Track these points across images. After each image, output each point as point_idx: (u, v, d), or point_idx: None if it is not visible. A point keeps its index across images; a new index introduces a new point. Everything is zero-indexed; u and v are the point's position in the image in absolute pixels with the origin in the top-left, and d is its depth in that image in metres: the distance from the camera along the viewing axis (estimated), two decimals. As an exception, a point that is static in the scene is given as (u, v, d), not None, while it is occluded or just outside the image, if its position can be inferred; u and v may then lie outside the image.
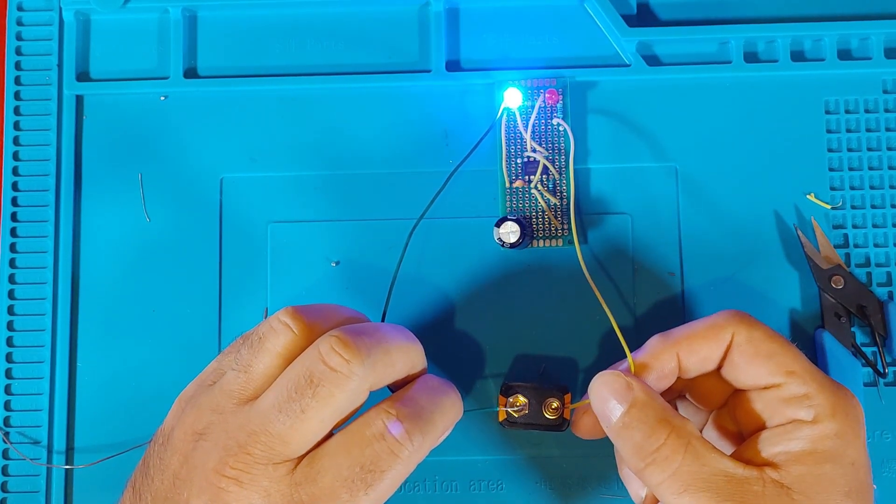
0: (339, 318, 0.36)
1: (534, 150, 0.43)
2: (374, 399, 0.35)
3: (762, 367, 0.36)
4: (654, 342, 0.37)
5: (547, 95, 0.44)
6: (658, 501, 0.37)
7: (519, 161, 0.44)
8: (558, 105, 0.44)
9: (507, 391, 0.41)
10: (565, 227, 0.44)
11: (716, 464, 0.34)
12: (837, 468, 0.34)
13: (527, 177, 0.44)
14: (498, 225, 0.42)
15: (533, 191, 0.44)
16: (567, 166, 0.44)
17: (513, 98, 0.43)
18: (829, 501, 0.33)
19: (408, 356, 0.36)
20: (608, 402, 0.35)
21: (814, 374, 0.35)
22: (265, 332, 0.35)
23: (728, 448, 0.38)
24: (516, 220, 0.42)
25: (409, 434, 0.33)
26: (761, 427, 0.36)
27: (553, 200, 0.44)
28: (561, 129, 0.44)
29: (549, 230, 0.44)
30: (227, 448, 0.33)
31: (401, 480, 0.34)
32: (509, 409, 0.40)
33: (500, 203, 0.44)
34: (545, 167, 0.44)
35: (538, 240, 0.44)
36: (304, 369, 0.33)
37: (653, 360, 0.37)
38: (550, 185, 0.44)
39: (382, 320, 0.40)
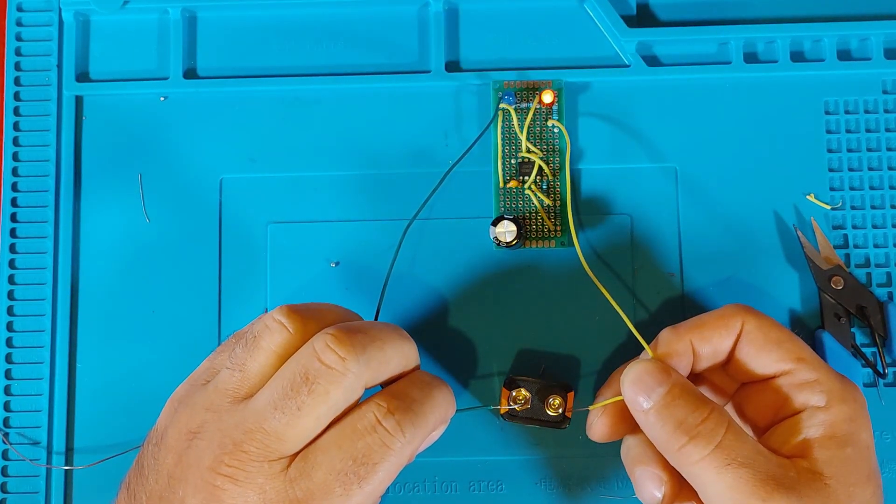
0: (334, 316, 0.36)
1: (528, 151, 0.43)
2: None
3: (773, 354, 0.36)
4: (666, 334, 0.37)
5: (544, 96, 0.44)
6: (675, 502, 0.37)
7: (514, 161, 0.44)
8: (555, 106, 0.44)
9: (511, 384, 0.41)
10: (559, 228, 0.43)
11: (754, 444, 0.34)
12: (856, 451, 0.35)
13: (521, 177, 0.44)
14: (494, 224, 0.42)
15: (527, 191, 0.44)
16: (563, 167, 0.44)
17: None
18: (858, 485, 0.34)
19: (402, 353, 0.36)
20: (645, 385, 0.35)
21: (820, 361, 0.36)
22: (260, 331, 0.35)
23: None
24: (513, 220, 0.42)
25: (400, 426, 0.34)
26: (773, 417, 0.36)
27: (546, 201, 0.43)
28: (556, 129, 0.44)
29: (543, 231, 0.44)
30: (222, 446, 0.33)
31: (394, 474, 0.34)
32: (511, 404, 0.40)
33: (493, 203, 0.44)
34: (540, 168, 0.44)
35: (531, 240, 0.44)
36: (299, 367, 0.33)
37: (670, 350, 0.37)
38: (545, 186, 0.44)
39: (376, 319, 0.40)
